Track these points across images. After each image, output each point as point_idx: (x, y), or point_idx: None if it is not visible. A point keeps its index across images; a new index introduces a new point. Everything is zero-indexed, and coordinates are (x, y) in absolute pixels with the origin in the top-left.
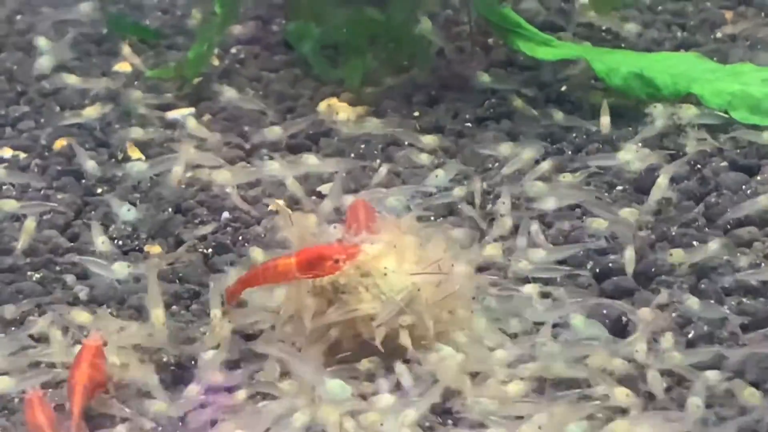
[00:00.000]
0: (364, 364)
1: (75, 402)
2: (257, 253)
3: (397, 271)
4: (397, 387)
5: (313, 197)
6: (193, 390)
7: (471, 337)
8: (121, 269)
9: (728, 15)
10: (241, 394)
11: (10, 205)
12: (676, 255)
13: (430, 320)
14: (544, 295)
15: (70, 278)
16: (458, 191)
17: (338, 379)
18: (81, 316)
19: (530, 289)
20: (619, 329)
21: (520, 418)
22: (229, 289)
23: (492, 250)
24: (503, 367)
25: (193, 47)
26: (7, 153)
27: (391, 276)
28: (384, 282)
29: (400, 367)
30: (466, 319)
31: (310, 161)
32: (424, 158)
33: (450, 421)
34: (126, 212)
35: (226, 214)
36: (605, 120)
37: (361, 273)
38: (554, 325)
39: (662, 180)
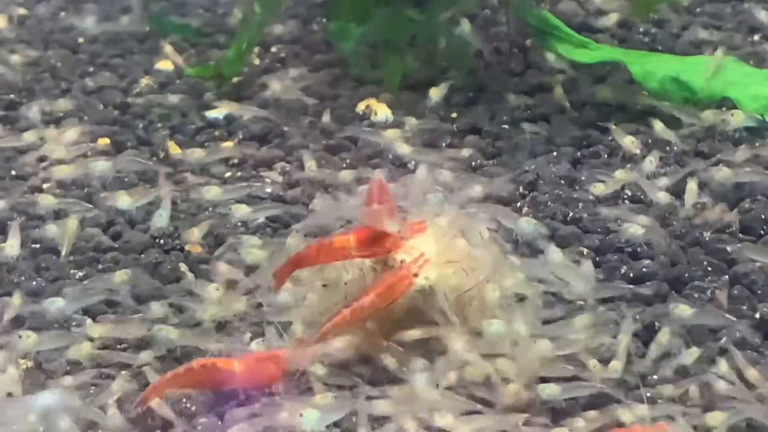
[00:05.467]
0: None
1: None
2: (295, 240)
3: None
4: None
5: None
6: None
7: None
8: None
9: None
10: None
11: (54, 201)
12: None
13: (453, 315)
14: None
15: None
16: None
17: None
18: None
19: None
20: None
21: None
22: (278, 271)
23: None
24: None
25: (233, 46)
26: (52, 150)
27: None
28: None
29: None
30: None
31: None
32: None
33: None
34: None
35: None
36: (627, 140)
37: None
38: None
39: (692, 185)
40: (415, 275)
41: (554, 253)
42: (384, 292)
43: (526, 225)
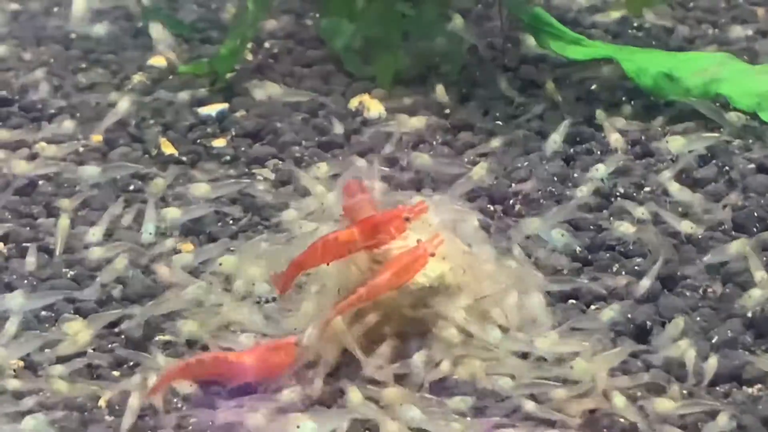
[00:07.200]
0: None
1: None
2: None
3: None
4: None
5: None
6: None
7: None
8: None
9: (760, 12)
10: None
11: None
12: None
13: (458, 309)
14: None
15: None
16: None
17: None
18: None
19: None
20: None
21: None
22: (280, 276)
23: None
24: None
25: (226, 42)
26: (43, 147)
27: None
28: None
29: None
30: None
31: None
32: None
33: None
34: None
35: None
36: (615, 136)
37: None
38: None
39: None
40: (432, 255)
41: None
42: (400, 271)
43: (558, 237)
